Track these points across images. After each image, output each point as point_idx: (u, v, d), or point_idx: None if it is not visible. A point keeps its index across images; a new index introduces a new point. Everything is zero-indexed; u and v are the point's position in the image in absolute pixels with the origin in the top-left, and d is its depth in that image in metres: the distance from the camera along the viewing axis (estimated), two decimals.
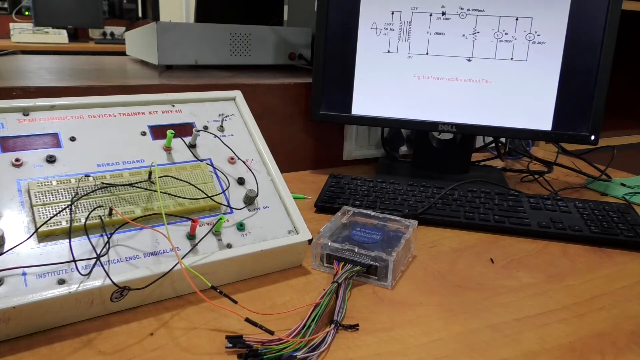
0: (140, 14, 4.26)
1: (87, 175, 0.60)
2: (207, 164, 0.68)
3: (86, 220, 0.56)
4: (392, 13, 0.98)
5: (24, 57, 1.72)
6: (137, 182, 0.61)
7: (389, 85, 1.01)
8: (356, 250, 0.65)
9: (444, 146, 1.09)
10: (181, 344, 0.52)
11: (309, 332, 0.52)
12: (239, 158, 0.71)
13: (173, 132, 0.66)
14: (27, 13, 3.77)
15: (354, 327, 0.55)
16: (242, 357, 0.49)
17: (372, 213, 0.76)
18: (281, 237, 0.66)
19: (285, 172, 0.74)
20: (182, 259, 0.57)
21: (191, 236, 0.61)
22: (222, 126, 0.73)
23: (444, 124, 1.00)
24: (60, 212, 0.56)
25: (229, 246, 0.62)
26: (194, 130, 0.69)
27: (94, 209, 0.57)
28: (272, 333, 0.51)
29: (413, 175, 1.07)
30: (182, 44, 1.13)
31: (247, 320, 0.53)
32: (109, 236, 0.56)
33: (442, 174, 1.07)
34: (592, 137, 0.97)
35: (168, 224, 0.61)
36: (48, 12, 3.44)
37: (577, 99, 0.96)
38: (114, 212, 0.58)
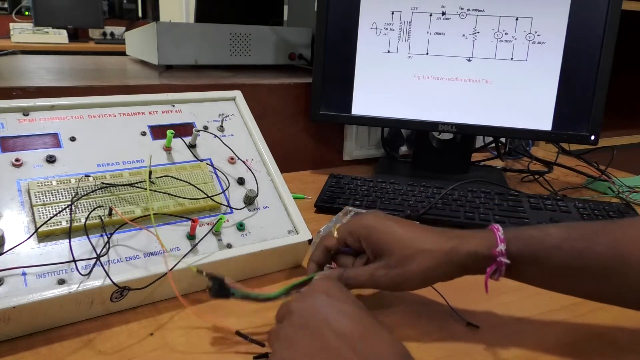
0: (140, 14, 4.26)
1: (87, 175, 0.60)
2: (207, 164, 0.68)
3: (86, 220, 0.56)
4: (392, 13, 0.98)
5: (24, 57, 1.72)
6: (137, 182, 0.61)
7: (389, 85, 1.01)
8: None
9: (444, 146, 1.09)
10: (181, 344, 0.52)
11: None
12: (239, 158, 0.71)
13: (173, 132, 0.66)
14: (27, 13, 3.76)
15: None
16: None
17: None
18: (281, 237, 0.66)
19: (285, 172, 0.74)
20: (182, 259, 0.57)
21: (191, 236, 0.61)
22: (222, 126, 0.73)
23: (444, 124, 1.00)
24: (60, 212, 0.56)
25: (229, 246, 0.62)
26: (194, 130, 0.69)
27: (94, 209, 0.57)
28: (262, 345, 0.51)
29: (413, 175, 1.07)
30: (182, 44, 1.12)
31: (237, 333, 0.51)
32: (109, 236, 0.56)
33: (442, 174, 1.07)
34: (592, 137, 0.97)
35: (168, 224, 0.61)
36: (48, 12, 3.44)
37: (577, 99, 0.96)
38: (113, 212, 0.58)
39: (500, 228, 0.51)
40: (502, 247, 0.50)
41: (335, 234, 0.58)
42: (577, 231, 0.51)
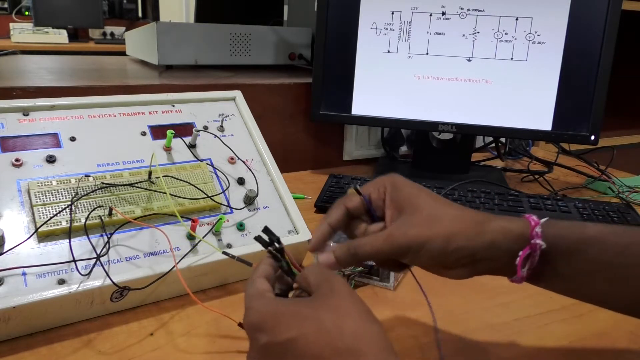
0: (140, 14, 4.26)
1: (87, 175, 0.60)
2: (207, 164, 0.68)
3: (86, 220, 0.56)
4: (392, 13, 0.98)
5: (24, 57, 1.72)
6: (137, 182, 0.61)
7: (389, 85, 1.01)
8: None
9: (444, 146, 1.09)
10: (181, 344, 0.52)
11: None
12: (239, 158, 0.71)
13: (173, 132, 0.66)
14: (27, 13, 3.76)
15: None
16: None
17: None
18: (281, 237, 0.65)
19: (285, 172, 0.74)
20: (182, 258, 0.57)
21: (191, 236, 0.61)
22: (222, 126, 0.73)
23: (444, 124, 1.00)
24: (60, 212, 0.56)
25: (229, 246, 0.62)
26: (194, 130, 0.69)
27: (94, 209, 0.57)
28: None
29: (413, 175, 1.07)
30: (182, 44, 1.12)
31: (240, 325, 0.51)
32: (109, 236, 0.56)
33: (442, 174, 1.07)
34: (592, 137, 0.97)
35: (168, 223, 0.61)
36: (48, 12, 3.43)
37: (577, 99, 0.96)
38: (114, 212, 0.58)
39: (534, 215, 0.45)
40: (538, 228, 0.44)
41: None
42: (619, 227, 0.46)
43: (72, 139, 0.63)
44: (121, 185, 0.60)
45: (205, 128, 0.72)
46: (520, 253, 0.44)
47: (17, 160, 0.58)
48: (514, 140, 1.29)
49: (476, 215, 0.46)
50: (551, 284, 0.47)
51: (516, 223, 0.45)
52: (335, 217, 0.50)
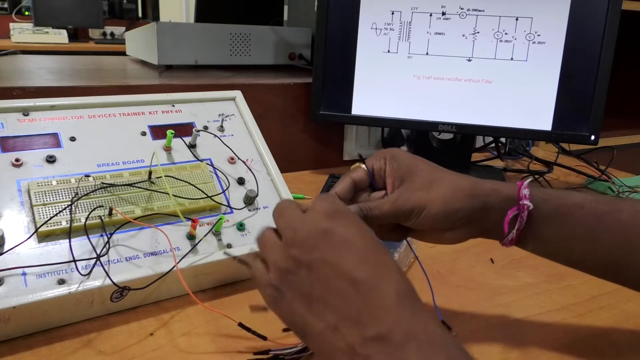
0: (140, 14, 4.26)
1: (87, 175, 0.60)
2: (207, 164, 0.68)
3: (86, 220, 0.56)
4: (392, 13, 0.98)
5: (24, 57, 1.72)
6: (137, 182, 0.61)
7: (389, 85, 1.01)
8: None
9: (444, 146, 1.09)
10: (181, 344, 0.52)
11: None
12: (239, 158, 0.71)
13: (173, 132, 0.66)
14: (27, 13, 3.76)
15: None
16: None
17: None
18: None
19: (285, 172, 0.74)
20: (182, 258, 0.57)
21: (191, 236, 0.61)
22: (222, 126, 0.73)
23: (444, 124, 1.00)
24: (60, 212, 0.56)
25: (229, 246, 0.62)
26: (194, 130, 0.69)
27: (94, 209, 0.57)
28: (264, 338, 0.51)
29: None
30: (182, 44, 1.12)
31: (240, 325, 0.52)
32: (109, 236, 0.56)
33: None
34: (592, 137, 0.97)
35: (168, 223, 0.60)
36: (48, 12, 3.43)
37: (577, 99, 0.96)
38: (114, 212, 0.58)
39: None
40: (525, 190, 0.48)
41: (363, 165, 0.55)
42: (600, 197, 0.50)
43: (72, 139, 0.63)
44: (121, 185, 0.60)
45: (205, 128, 0.72)
46: (509, 212, 0.48)
47: (17, 160, 0.58)
48: (514, 140, 1.29)
49: (469, 179, 0.51)
50: (535, 247, 0.51)
51: (506, 186, 0.50)
52: (342, 187, 0.53)
